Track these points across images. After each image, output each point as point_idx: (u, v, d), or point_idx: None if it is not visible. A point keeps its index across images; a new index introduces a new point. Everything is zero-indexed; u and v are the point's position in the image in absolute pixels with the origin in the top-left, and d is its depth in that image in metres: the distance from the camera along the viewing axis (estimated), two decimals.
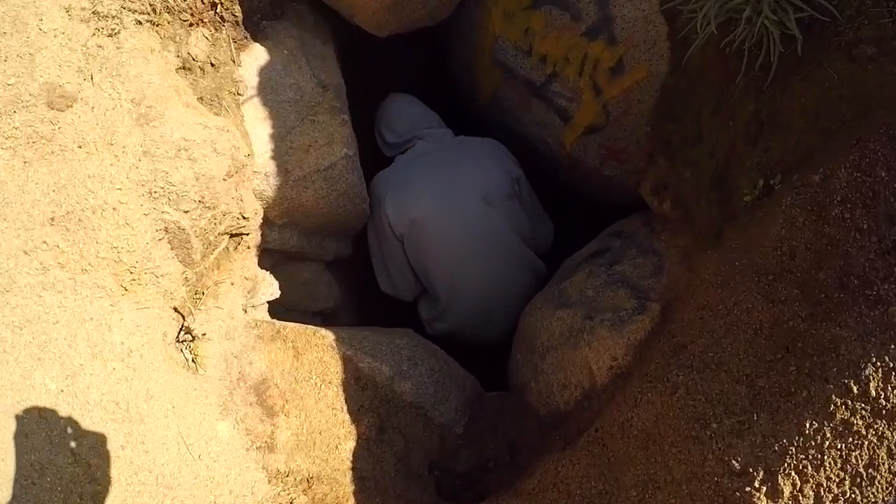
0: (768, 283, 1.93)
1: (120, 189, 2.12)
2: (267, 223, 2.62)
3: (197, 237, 2.30)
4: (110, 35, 2.23)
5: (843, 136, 1.94)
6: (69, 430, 1.96)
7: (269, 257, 2.75)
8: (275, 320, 2.56)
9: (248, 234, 2.57)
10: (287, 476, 2.38)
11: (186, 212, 2.25)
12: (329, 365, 2.50)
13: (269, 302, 2.86)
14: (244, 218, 2.49)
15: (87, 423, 1.99)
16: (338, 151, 2.50)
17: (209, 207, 2.32)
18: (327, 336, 2.51)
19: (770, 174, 2.22)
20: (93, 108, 2.20)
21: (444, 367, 2.68)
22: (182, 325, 2.32)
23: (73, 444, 1.95)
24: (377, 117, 2.64)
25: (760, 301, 1.92)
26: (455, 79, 3.22)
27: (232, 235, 2.54)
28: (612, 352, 2.44)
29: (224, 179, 2.35)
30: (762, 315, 1.90)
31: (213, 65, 2.45)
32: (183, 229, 2.24)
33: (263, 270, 2.62)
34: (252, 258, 2.61)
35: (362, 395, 2.52)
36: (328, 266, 2.99)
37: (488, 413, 2.76)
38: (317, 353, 2.50)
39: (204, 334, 2.40)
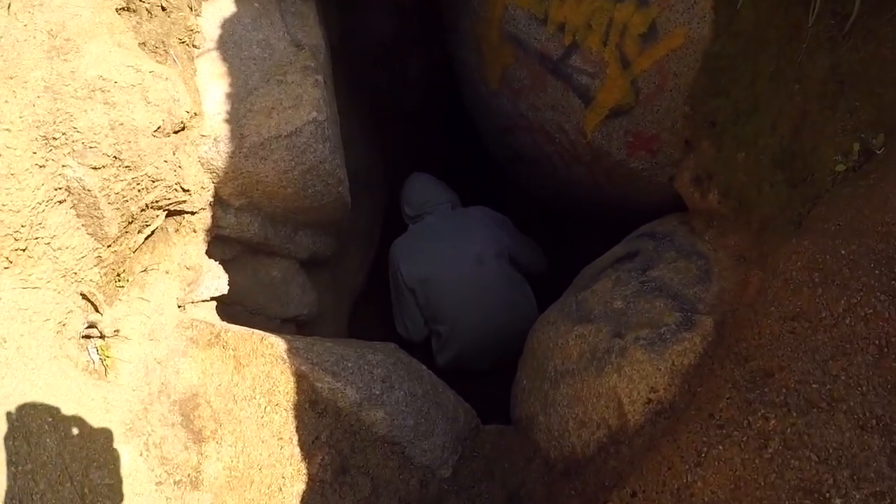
0: None
1: (8, 130, 1.47)
2: (220, 203, 1.95)
3: (110, 204, 1.64)
4: None
5: None
6: None
7: (227, 247, 2.07)
8: (216, 322, 1.85)
9: (193, 214, 1.90)
10: None
11: (95, 168, 1.59)
12: (278, 382, 1.77)
13: (225, 302, 2.17)
14: (184, 191, 1.83)
15: None
16: (304, 115, 1.86)
17: (128, 167, 1.66)
18: (277, 345, 1.80)
19: (866, 137, 1.51)
20: (0, 37, 1.59)
21: (430, 393, 1.94)
22: (88, 317, 1.63)
23: None
24: (402, 192, 2.85)
25: (886, 303, 1.17)
26: (463, 79, 2.58)
27: (170, 213, 1.87)
28: (650, 381, 1.69)
29: (153, 135, 1.69)
30: (891, 324, 1.15)
31: (163, 8, 1.84)
32: (89, 191, 1.58)
33: (211, 261, 1.93)
34: (198, 244, 1.93)
35: (319, 424, 1.77)
36: (304, 266, 2.29)
37: (484, 452, 1.99)
38: (263, 365, 1.77)
39: (117, 331, 1.71)
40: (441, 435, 1.93)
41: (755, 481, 1.19)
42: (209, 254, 1.98)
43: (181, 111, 1.75)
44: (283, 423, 1.76)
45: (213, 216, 1.94)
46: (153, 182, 1.72)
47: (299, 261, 2.26)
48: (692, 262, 1.93)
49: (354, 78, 2.70)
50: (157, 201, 1.76)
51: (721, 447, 1.27)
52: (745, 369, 1.39)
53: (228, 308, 2.18)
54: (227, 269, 2.13)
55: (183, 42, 1.87)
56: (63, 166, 1.53)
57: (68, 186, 1.55)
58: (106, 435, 1.59)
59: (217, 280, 1.88)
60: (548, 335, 2.04)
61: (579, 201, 2.64)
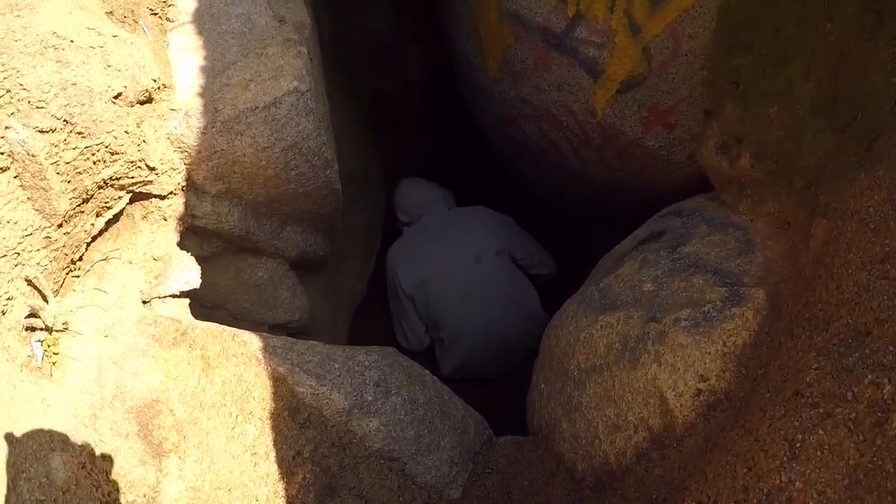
0: None
1: None
2: (194, 189, 1.62)
3: (59, 175, 1.30)
4: None
5: None
6: None
7: (205, 241, 1.72)
8: (184, 319, 1.48)
9: (162, 199, 1.57)
10: None
11: (42, 132, 1.27)
12: (252, 387, 1.38)
13: (206, 305, 1.80)
14: (150, 169, 1.50)
15: None
16: (285, 85, 1.55)
17: (81, 133, 1.33)
18: (251, 343, 1.42)
19: None
20: None
21: (434, 401, 1.53)
22: (29, 304, 1.27)
23: None
24: (394, 200, 2.55)
25: None
26: (463, 72, 2.29)
27: (136, 197, 1.54)
28: (698, 368, 1.28)
29: (113, 102, 1.38)
30: None
31: None
32: (34, 156, 1.25)
33: (182, 252, 1.58)
34: (168, 234, 1.58)
35: (300, 437, 1.37)
36: (295, 269, 1.93)
37: (499, 468, 1.56)
38: (235, 367, 1.39)
39: (66, 324, 1.34)
40: (448, 449, 1.51)
41: (880, 470, 0.78)
42: (184, 249, 1.63)
43: (146, 79, 1.44)
44: (258, 436, 1.36)
45: (186, 203, 1.61)
46: (112, 155, 1.40)
47: (288, 261, 1.90)
48: (728, 234, 1.55)
49: (351, 79, 2.43)
50: (117, 178, 1.43)
51: (821, 431, 0.86)
52: (829, 333, 0.99)
53: (210, 312, 1.82)
54: (207, 268, 1.76)
55: (155, 14, 1.59)
56: (6, 128, 1.21)
57: (11, 151, 1.22)
58: (39, 442, 1.20)
59: (187, 272, 1.53)
60: (567, 331, 1.65)
61: (590, 194, 2.29)
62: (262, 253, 1.82)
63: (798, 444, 0.89)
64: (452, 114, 2.76)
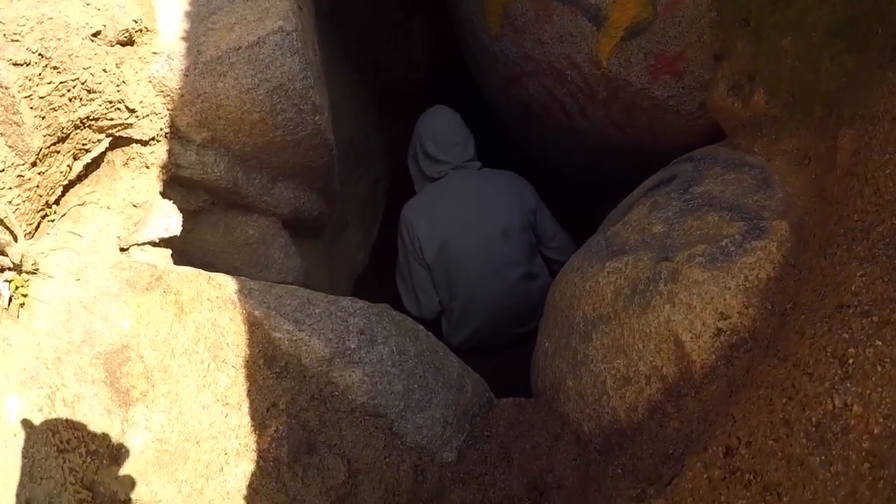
0: None
1: None
2: (179, 137, 1.51)
3: (33, 110, 1.21)
4: None
5: None
6: None
7: (191, 195, 1.61)
8: (161, 264, 1.36)
9: (144, 146, 1.46)
10: None
11: (16, 65, 1.18)
12: (225, 332, 1.24)
13: (194, 263, 1.68)
14: (129, 111, 1.40)
15: None
16: (269, 24, 1.44)
17: (56, 68, 1.24)
18: (227, 285, 1.28)
19: None
20: None
21: (426, 355, 1.37)
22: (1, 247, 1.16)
23: None
24: (420, 128, 2.15)
25: None
26: (465, 36, 2.17)
27: (117, 142, 1.44)
28: (717, 305, 1.11)
29: (91, 40, 1.29)
30: None
31: None
32: (6, 88, 1.16)
33: (164, 199, 1.47)
34: (150, 181, 1.48)
35: (276, 387, 1.22)
36: (289, 230, 1.81)
37: (499, 431, 1.38)
38: (209, 311, 1.25)
39: (36, 266, 1.23)
40: (441, 407, 1.34)
41: None
42: (171, 198, 1.52)
43: (127, 19, 1.35)
44: (231, 385, 1.21)
45: (169, 151, 1.50)
46: (89, 93, 1.30)
47: (281, 220, 1.77)
48: (744, 172, 1.37)
49: (353, 51, 2.33)
50: (95, 119, 1.33)
51: (879, 342, 0.68)
52: (871, 240, 0.81)
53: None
54: (195, 224, 1.66)
55: None
56: None
57: None
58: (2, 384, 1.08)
59: (168, 219, 1.41)
60: (572, 283, 1.47)
61: (597, 157, 2.12)
62: (253, 210, 1.71)
63: (851, 361, 0.71)
64: (457, 88, 2.64)
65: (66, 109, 1.27)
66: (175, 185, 1.57)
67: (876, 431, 0.65)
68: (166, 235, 1.40)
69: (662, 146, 1.88)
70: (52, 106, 1.25)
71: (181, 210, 1.54)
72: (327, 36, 2.05)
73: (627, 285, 1.29)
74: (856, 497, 0.61)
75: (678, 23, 1.64)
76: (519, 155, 2.61)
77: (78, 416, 1.15)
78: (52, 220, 1.33)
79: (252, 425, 1.18)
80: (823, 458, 0.68)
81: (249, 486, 1.13)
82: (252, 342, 1.23)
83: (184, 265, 1.60)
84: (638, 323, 1.22)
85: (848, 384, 0.69)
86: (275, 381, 1.22)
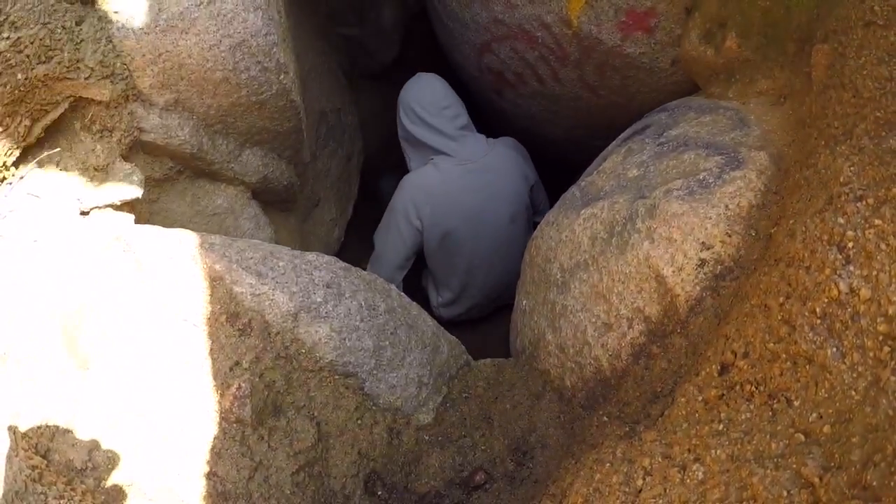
0: None
1: None
2: (141, 100, 1.43)
3: None
4: None
5: None
6: None
7: (156, 162, 1.52)
8: (120, 223, 1.27)
9: (106, 109, 1.38)
10: (63, 475, 0.96)
11: None
12: (185, 289, 1.15)
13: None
14: (89, 70, 1.31)
15: None
16: None
17: (14, 24, 1.16)
18: (187, 241, 1.19)
19: None
20: None
21: (397, 311, 1.28)
22: None
23: None
24: (404, 94, 1.99)
25: None
26: (433, 2, 2.10)
27: (76, 104, 1.35)
28: (698, 235, 1.04)
29: None
30: None
31: None
32: None
33: (125, 163, 1.38)
34: (111, 145, 1.38)
35: (239, 345, 1.12)
36: (257, 198, 1.72)
37: (477, 392, 1.29)
38: (168, 269, 1.16)
39: None
40: (416, 366, 1.25)
41: None
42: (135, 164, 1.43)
43: None
44: (191, 344, 1.12)
45: (131, 114, 1.41)
46: (47, 50, 1.22)
47: (250, 189, 1.69)
48: (720, 114, 1.32)
49: (324, 24, 2.27)
50: (54, 78, 1.24)
51: (878, 221, 0.61)
52: (855, 137, 0.75)
53: None
54: (161, 193, 1.56)
55: None
56: None
57: None
58: None
59: (128, 181, 1.33)
60: (548, 236, 1.41)
61: (571, 125, 2.07)
62: (221, 178, 1.62)
63: (850, 245, 0.64)
64: (431, 65, 2.59)
65: (23, 66, 1.19)
66: (139, 151, 1.48)
67: (891, 311, 0.58)
68: (127, 198, 1.31)
69: (637, 108, 1.83)
70: (9, 62, 1.17)
71: (146, 178, 1.45)
72: (299, 10, 1.99)
73: (604, 229, 1.22)
74: (880, 385, 0.54)
75: None
76: (492, 132, 2.57)
77: (32, 379, 1.05)
78: (10, 183, 1.24)
79: (214, 385, 1.08)
80: (835, 349, 0.61)
81: (212, 449, 1.03)
82: (213, 298, 1.14)
83: None
84: (617, 264, 1.15)
85: (851, 268, 0.63)
86: (237, 338, 1.13)
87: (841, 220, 0.65)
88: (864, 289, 0.60)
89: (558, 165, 2.41)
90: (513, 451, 1.19)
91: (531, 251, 1.46)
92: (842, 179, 0.70)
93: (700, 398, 0.80)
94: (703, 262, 1.02)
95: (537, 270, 1.40)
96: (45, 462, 1.01)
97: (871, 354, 0.57)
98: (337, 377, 1.18)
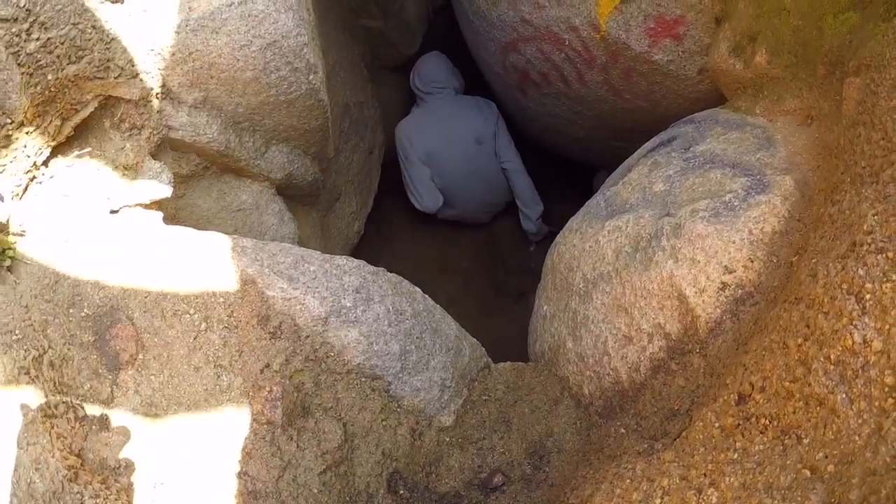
0: None
1: None
2: (170, 97, 1.45)
3: (20, 66, 1.15)
4: None
5: None
6: None
7: (183, 159, 1.55)
8: (151, 225, 1.31)
9: (135, 106, 1.40)
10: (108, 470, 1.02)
11: (3, 20, 1.12)
12: (217, 291, 1.20)
13: (187, 226, 1.63)
14: (119, 69, 1.33)
15: None
16: None
17: (43, 24, 1.18)
18: (218, 243, 1.23)
19: None
20: None
21: (423, 315, 1.33)
22: None
23: None
24: (415, 66, 2.72)
25: None
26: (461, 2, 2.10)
27: (106, 102, 1.38)
28: (721, 258, 1.07)
29: None
30: None
31: None
32: None
33: (154, 161, 1.42)
34: (140, 143, 1.41)
35: (271, 348, 1.18)
36: (282, 194, 1.75)
37: (497, 395, 1.35)
38: (200, 270, 1.21)
39: (23, 228, 1.17)
40: (439, 370, 1.30)
41: None
42: (162, 161, 1.46)
43: None
44: (223, 346, 1.17)
45: (160, 112, 1.44)
46: (78, 50, 1.24)
47: (274, 185, 1.72)
48: (746, 132, 1.33)
49: (348, 17, 2.27)
50: (84, 77, 1.26)
51: None
52: (881, 183, 0.77)
53: None
54: (187, 189, 1.60)
55: None
56: None
57: None
58: None
59: (158, 181, 1.36)
60: (571, 244, 1.44)
61: (594, 125, 2.08)
62: (246, 174, 1.65)
63: (868, 297, 0.68)
64: (453, 59, 2.58)
65: (54, 67, 1.21)
66: (167, 148, 1.50)
67: None
68: (157, 197, 1.35)
69: (662, 113, 1.84)
70: (39, 63, 1.19)
71: (173, 174, 1.49)
72: (324, 3, 1.99)
73: (628, 243, 1.25)
74: (881, 434, 0.58)
75: None
76: (515, 130, 2.58)
77: (66, 380, 1.10)
78: (41, 182, 1.27)
79: (245, 387, 1.13)
80: (844, 395, 0.64)
81: (243, 449, 1.09)
82: (245, 301, 1.19)
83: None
84: (640, 280, 1.18)
85: (866, 319, 0.66)
86: (268, 341, 1.18)
87: (861, 272, 0.68)
88: (876, 341, 0.63)
89: (579, 162, 2.42)
90: (530, 454, 1.25)
91: (553, 257, 1.50)
92: (865, 227, 0.72)
93: (717, 424, 0.84)
94: (724, 286, 1.05)
95: (559, 277, 1.43)
96: (80, 461, 1.07)
97: (877, 404, 0.61)
98: (364, 379, 1.23)
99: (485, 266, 2.72)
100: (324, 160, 1.85)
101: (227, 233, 1.68)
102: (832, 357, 0.68)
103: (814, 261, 0.82)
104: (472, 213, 2.75)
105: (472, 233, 2.84)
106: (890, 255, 0.69)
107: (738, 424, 0.79)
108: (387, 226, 2.40)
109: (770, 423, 0.73)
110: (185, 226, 1.62)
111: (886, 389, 0.61)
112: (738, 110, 1.49)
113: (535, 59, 1.93)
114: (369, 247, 2.34)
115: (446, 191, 2.62)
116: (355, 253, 2.25)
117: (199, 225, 1.65)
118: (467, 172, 2.55)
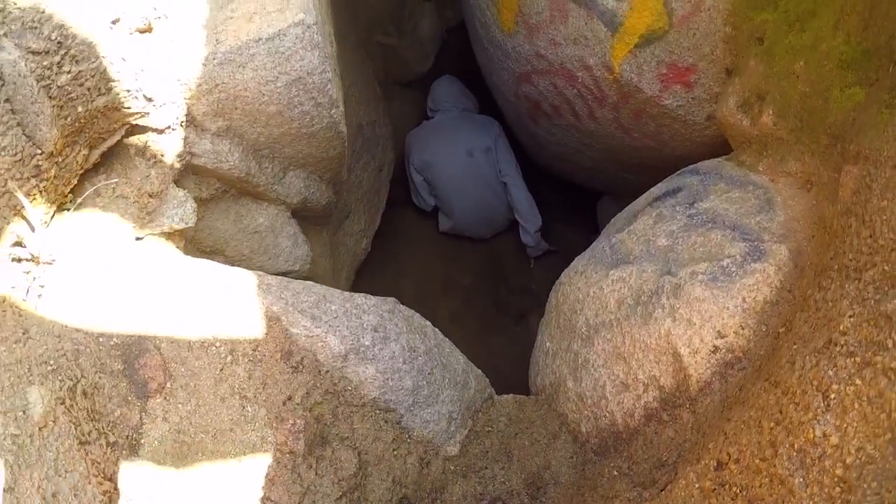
0: None
1: None
2: (194, 126, 1.50)
3: (52, 99, 1.18)
4: None
5: None
6: None
7: (204, 183, 1.60)
8: (177, 254, 1.37)
9: (159, 134, 1.45)
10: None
11: (34, 53, 1.15)
12: (242, 326, 1.27)
13: (204, 250, 1.69)
14: (147, 100, 1.38)
15: None
16: (290, 17, 1.42)
17: (74, 57, 1.21)
18: (244, 280, 1.30)
19: None
20: None
21: (434, 352, 1.42)
22: (12, 229, 1.16)
23: None
24: (432, 86, 2.99)
25: None
26: (476, 28, 2.15)
27: (133, 130, 1.42)
28: (715, 323, 1.16)
29: (110, 26, 1.26)
30: None
31: None
32: (24, 77, 1.13)
33: (178, 189, 1.47)
34: (164, 170, 1.46)
35: (293, 381, 1.26)
36: (296, 215, 1.82)
37: (499, 427, 1.45)
38: (226, 305, 1.28)
39: (53, 256, 1.23)
40: (447, 403, 1.40)
41: None
42: (182, 189, 1.51)
43: (146, 7, 1.32)
44: (248, 378, 1.25)
45: (184, 140, 1.48)
46: (107, 82, 1.28)
47: (290, 209, 1.78)
48: (749, 191, 1.42)
49: (362, 35, 2.29)
50: (113, 108, 1.31)
51: (859, 381, 0.74)
52: (863, 281, 0.87)
53: (208, 257, 1.68)
54: (205, 212, 1.65)
55: None
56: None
57: (2, 73, 1.10)
58: (17, 374, 1.10)
59: (181, 209, 1.42)
60: (576, 287, 1.53)
61: (603, 159, 2.15)
62: (263, 198, 1.71)
63: (833, 396, 0.78)
64: (465, 78, 2.63)
65: (84, 99, 1.25)
66: (188, 173, 1.55)
67: (848, 461, 0.72)
68: (181, 226, 1.41)
69: (668, 153, 1.91)
70: (70, 96, 1.22)
71: (193, 198, 1.54)
72: (339, 20, 2.02)
73: (631, 295, 1.34)
74: None
75: (693, 35, 1.66)
76: (524, 154, 2.64)
77: (98, 408, 1.18)
78: (68, 209, 1.32)
79: (268, 418, 1.22)
80: (802, 479, 0.74)
81: (267, 476, 1.18)
82: (269, 337, 1.26)
83: (194, 252, 1.61)
84: (639, 333, 1.28)
85: (828, 416, 0.76)
86: (291, 375, 1.26)
87: (830, 373, 0.78)
88: (834, 436, 0.73)
89: (586, 189, 2.49)
90: (528, 485, 1.35)
91: (558, 296, 1.58)
92: (841, 328, 0.82)
93: (697, 485, 0.94)
94: (716, 349, 1.15)
95: (563, 317, 1.52)
96: (114, 486, 1.15)
97: (827, 490, 0.71)
98: (378, 412, 1.32)
99: (487, 284, 2.82)
100: (338, 184, 1.90)
101: (243, 254, 1.76)
102: (796, 445, 0.78)
103: (795, 347, 0.91)
104: (469, 226, 2.93)
105: (475, 251, 2.93)
106: (857, 359, 0.78)
107: (714, 489, 0.89)
108: (392, 241, 2.46)
109: (740, 492, 0.84)
110: (203, 247, 1.70)
111: (836, 479, 0.71)
112: (742, 164, 1.57)
113: (548, 92, 1.99)
114: (375, 262, 2.41)
115: (442, 200, 2.87)
116: (362, 268, 2.32)
117: (217, 246, 1.71)
118: (459, 183, 2.78)
